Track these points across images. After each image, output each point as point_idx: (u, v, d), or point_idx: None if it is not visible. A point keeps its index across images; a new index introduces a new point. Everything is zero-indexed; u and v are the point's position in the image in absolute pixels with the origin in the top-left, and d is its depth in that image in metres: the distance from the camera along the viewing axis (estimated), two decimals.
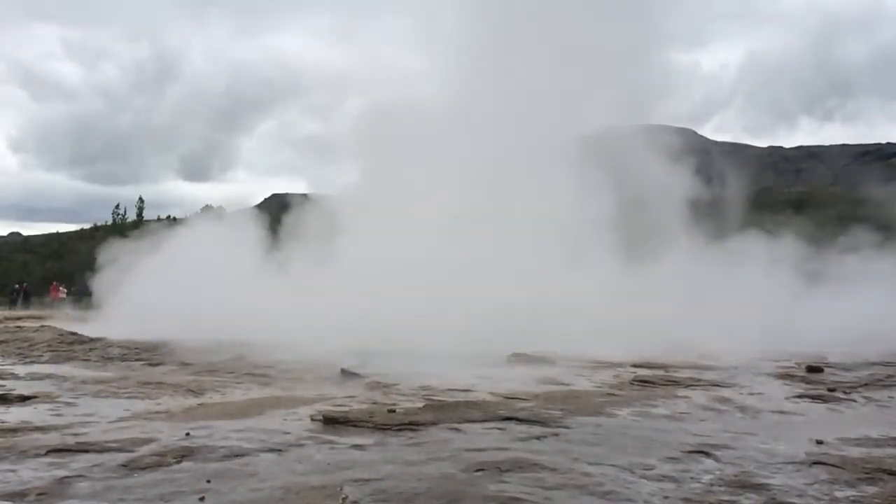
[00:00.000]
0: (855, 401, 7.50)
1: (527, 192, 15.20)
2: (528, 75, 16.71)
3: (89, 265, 20.93)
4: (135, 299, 16.28)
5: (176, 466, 4.47)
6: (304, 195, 22.85)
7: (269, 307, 13.61)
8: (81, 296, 34.96)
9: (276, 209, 21.33)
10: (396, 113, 17.34)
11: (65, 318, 20.37)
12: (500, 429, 5.70)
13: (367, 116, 18.23)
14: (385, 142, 17.19)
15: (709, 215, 18.44)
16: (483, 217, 14.87)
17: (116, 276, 17.96)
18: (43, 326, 15.78)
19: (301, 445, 5.06)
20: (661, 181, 16.81)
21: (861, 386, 8.42)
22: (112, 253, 19.16)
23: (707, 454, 4.89)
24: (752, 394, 7.82)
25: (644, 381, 8.55)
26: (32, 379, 8.64)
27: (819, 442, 5.32)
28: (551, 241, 14.64)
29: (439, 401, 6.88)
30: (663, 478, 4.29)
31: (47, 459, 4.65)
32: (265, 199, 63.76)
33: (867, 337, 12.02)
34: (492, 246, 14.19)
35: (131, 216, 60.49)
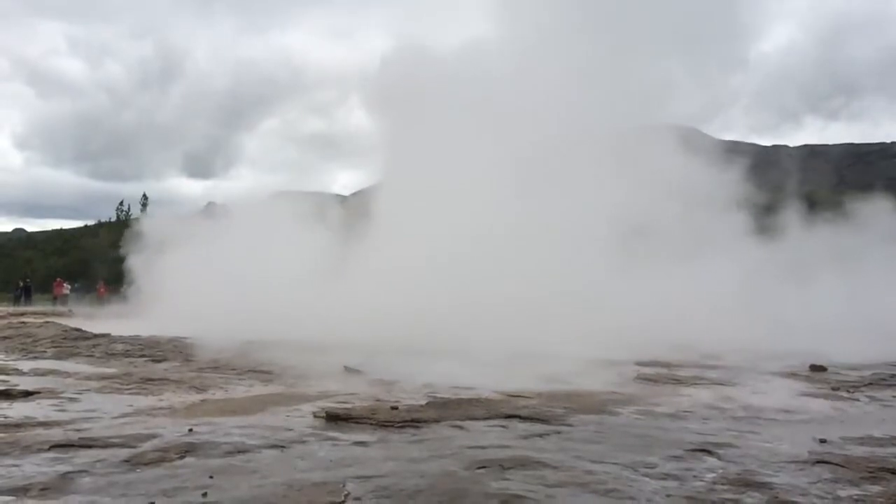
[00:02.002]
0: (858, 400, 7.49)
1: (566, 188, 14.51)
2: (589, 62, 15.74)
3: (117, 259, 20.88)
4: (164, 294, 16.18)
5: (179, 462, 4.47)
6: (309, 193, 22.76)
7: (286, 303, 13.50)
8: (85, 292, 35.10)
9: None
10: (436, 94, 16.12)
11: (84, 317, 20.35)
12: (502, 426, 5.69)
13: (403, 95, 16.68)
14: (421, 126, 15.94)
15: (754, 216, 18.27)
16: (517, 213, 14.33)
17: (149, 269, 17.89)
18: (47, 322, 15.84)
19: (304, 442, 5.06)
20: (705, 181, 16.46)
21: (865, 385, 8.40)
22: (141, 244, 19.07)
23: (710, 452, 4.88)
24: (755, 392, 7.81)
25: (647, 379, 8.55)
26: (36, 375, 8.67)
27: (822, 441, 5.31)
28: (584, 239, 14.10)
29: (442, 398, 6.88)
30: (666, 476, 4.29)
31: (50, 455, 4.66)
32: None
33: None
34: (522, 242, 13.75)
35: (135, 213, 60.74)
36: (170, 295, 16.01)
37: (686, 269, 15.32)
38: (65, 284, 35.70)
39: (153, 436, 5.14)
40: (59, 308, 29.27)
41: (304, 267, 15.61)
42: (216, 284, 15.14)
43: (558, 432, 5.51)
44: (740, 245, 17.29)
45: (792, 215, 19.98)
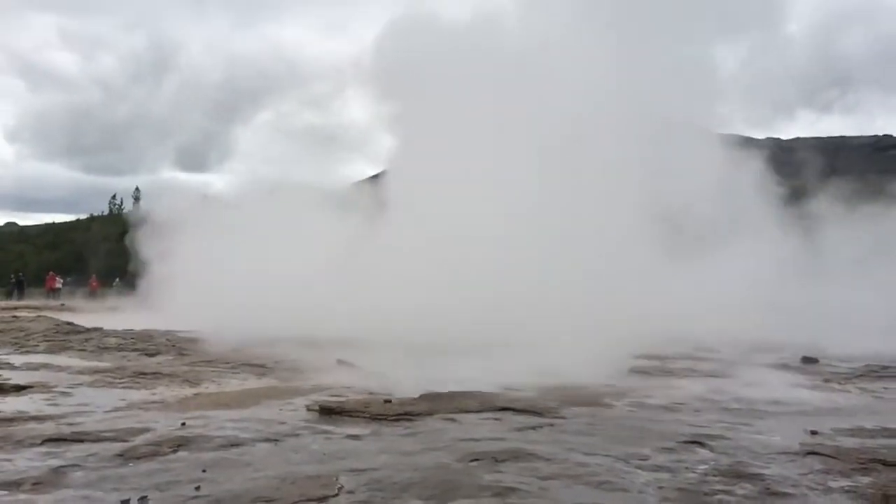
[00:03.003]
0: (850, 391, 7.52)
1: (584, 180, 13.20)
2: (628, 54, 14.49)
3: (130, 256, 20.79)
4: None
5: (172, 456, 4.47)
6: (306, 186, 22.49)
7: (281, 298, 13.39)
8: (78, 286, 34.95)
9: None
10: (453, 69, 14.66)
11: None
12: (495, 419, 5.71)
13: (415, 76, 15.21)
14: (431, 106, 14.68)
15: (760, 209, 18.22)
16: (525, 208, 13.17)
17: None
18: (39, 316, 15.78)
19: (297, 435, 5.06)
20: (721, 173, 16.15)
21: (856, 377, 8.44)
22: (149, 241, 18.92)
23: (702, 444, 4.90)
24: (747, 384, 7.83)
25: (641, 372, 8.57)
26: (28, 369, 8.64)
27: (814, 432, 5.33)
28: (588, 233, 12.93)
29: (435, 391, 6.88)
30: (658, 468, 4.30)
31: (43, 449, 4.65)
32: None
33: None
34: (523, 235, 12.87)
35: (128, 206, 60.47)
36: (167, 290, 15.95)
37: (694, 263, 15.27)
38: (57, 278, 35.57)
39: (146, 430, 5.13)
40: (52, 302, 29.16)
41: (299, 262, 15.49)
42: (211, 280, 15.07)
43: (551, 424, 5.53)
44: (750, 238, 17.25)
45: (803, 207, 19.89)
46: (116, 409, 6.08)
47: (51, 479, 3.99)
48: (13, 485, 3.90)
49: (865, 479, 4.15)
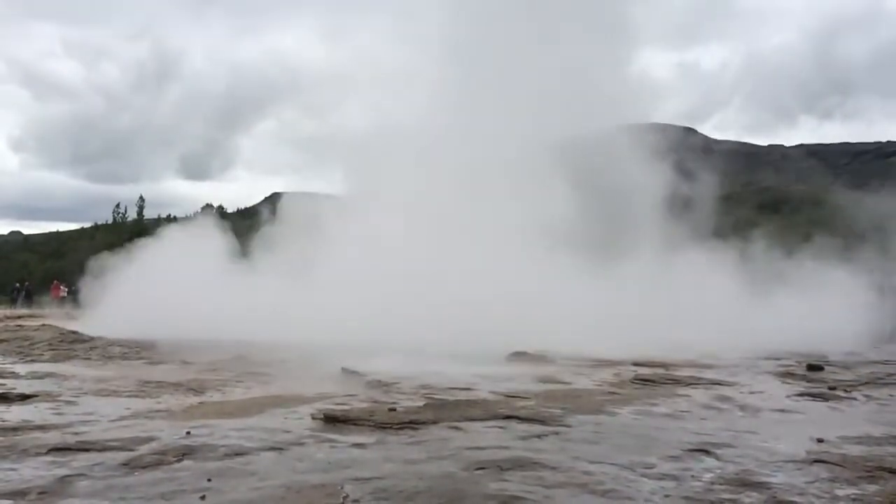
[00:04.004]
0: (856, 399, 7.51)
1: (509, 194, 15.50)
2: (506, 80, 17.07)
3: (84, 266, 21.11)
4: (126, 302, 16.27)
5: (177, 465, 4.47)
6: (304, 193, 22.82)
7: (262, 307, 13.69)
8: (78, 295, 35.01)
9: (276, 208, 21.27)
10: (377, 122, 18.40)
11: (60, 318, 20.45)
12: (500, 427, 5.70)
13: (349, 126, 19.41)
14: (366, 150, 18.09)
15: (692, 214, 18.43)
16: (466, 219, 15.08)
17: (107, 278, 18.01)
18: (43, 325, 15.79)
19: (302, 444, 5.05)
20: (638, 181, 16.87)
21: (862, 384, 8.42)
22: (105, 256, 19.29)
23: (708, 452, 4.89)
24: (752, 392, 7.83)
25: (644, 380, 8.56)
26: (33, 378, 8.65)
27: (820, 440, 5.32)
28: (536, 243, 14.77)
29: (440, 399, 6.88)
30: (664, 476, 4.29)
31: (48, 458, 4.65)
32: (265, 198, 63.74)
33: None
34: (477, 247, 14.37)
35: (132, 215, 60.66)
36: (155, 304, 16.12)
37: (650, 271, 15.62)
38: (62, 287, 35.61)
39: (151, 439, 5.12)
40: (57, 311, 29.19)
41: (285, 272, 15.97)
42: (203, 293, 15.19)
43: (556, 433, 5.52)
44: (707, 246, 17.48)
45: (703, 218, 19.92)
46: (121, 418, 6.07)
47: (56, 489, 3.98)
48: (19, 494, 3.89)
49: (872, 488, 4.15)
